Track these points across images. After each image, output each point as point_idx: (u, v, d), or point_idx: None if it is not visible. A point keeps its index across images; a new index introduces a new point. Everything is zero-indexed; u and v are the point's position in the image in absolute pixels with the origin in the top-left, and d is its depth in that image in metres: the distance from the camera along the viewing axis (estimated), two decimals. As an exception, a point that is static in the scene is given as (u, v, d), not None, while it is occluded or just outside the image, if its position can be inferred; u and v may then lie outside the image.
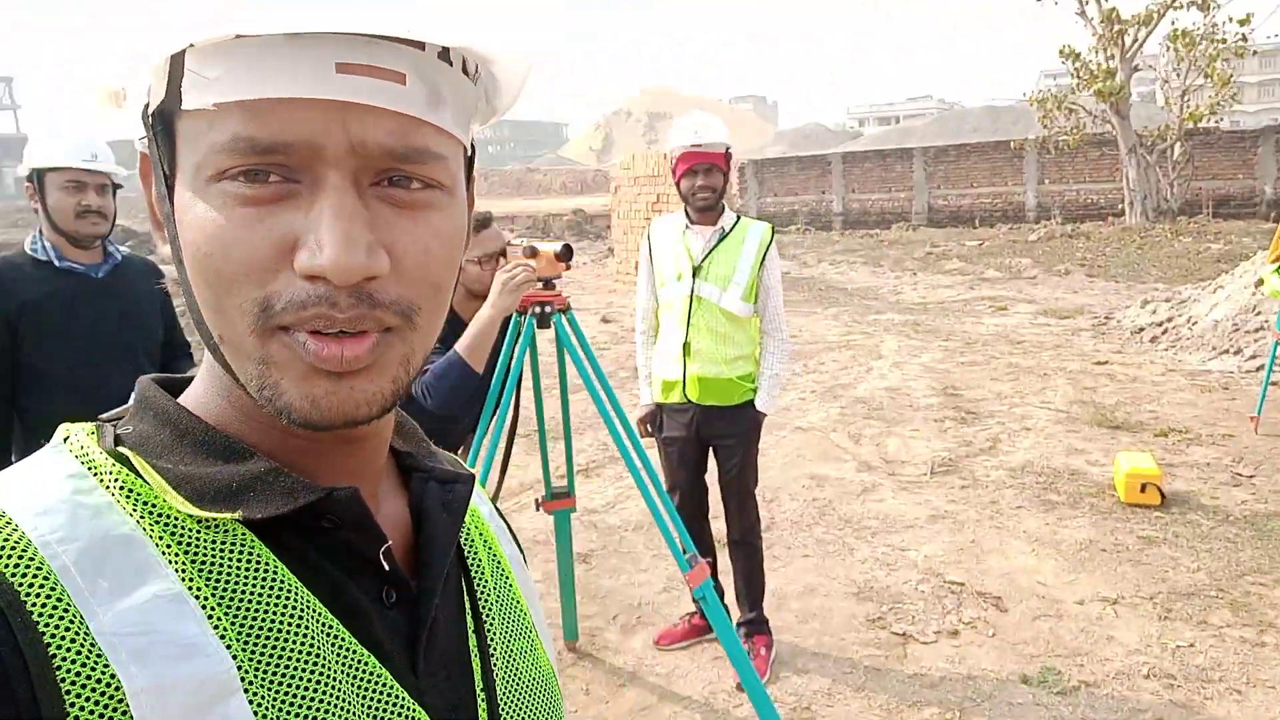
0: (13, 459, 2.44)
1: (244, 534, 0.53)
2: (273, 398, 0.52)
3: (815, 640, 3.70)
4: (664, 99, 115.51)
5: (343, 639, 0.54)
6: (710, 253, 3.32)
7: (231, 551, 0.52)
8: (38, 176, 2.46)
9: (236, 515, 0.52)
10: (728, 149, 3.27)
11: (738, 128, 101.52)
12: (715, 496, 3.60)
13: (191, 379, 0.61)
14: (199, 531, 0.52)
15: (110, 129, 0.61)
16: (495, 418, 2.82)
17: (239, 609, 0.51)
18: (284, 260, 0.50)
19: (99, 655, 0.45)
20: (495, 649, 0.67)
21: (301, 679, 0.51)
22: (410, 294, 0.54)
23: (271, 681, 0.50)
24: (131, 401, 0.59)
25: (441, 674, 0.61)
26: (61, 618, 0.45)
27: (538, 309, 2.76)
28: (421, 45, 0.53)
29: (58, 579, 0.46)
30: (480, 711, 0.63)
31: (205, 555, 0.51)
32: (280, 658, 0.51)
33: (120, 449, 0.53)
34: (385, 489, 0.65)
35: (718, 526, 3.64)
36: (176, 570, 0.49)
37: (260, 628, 0.51)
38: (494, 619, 0.68)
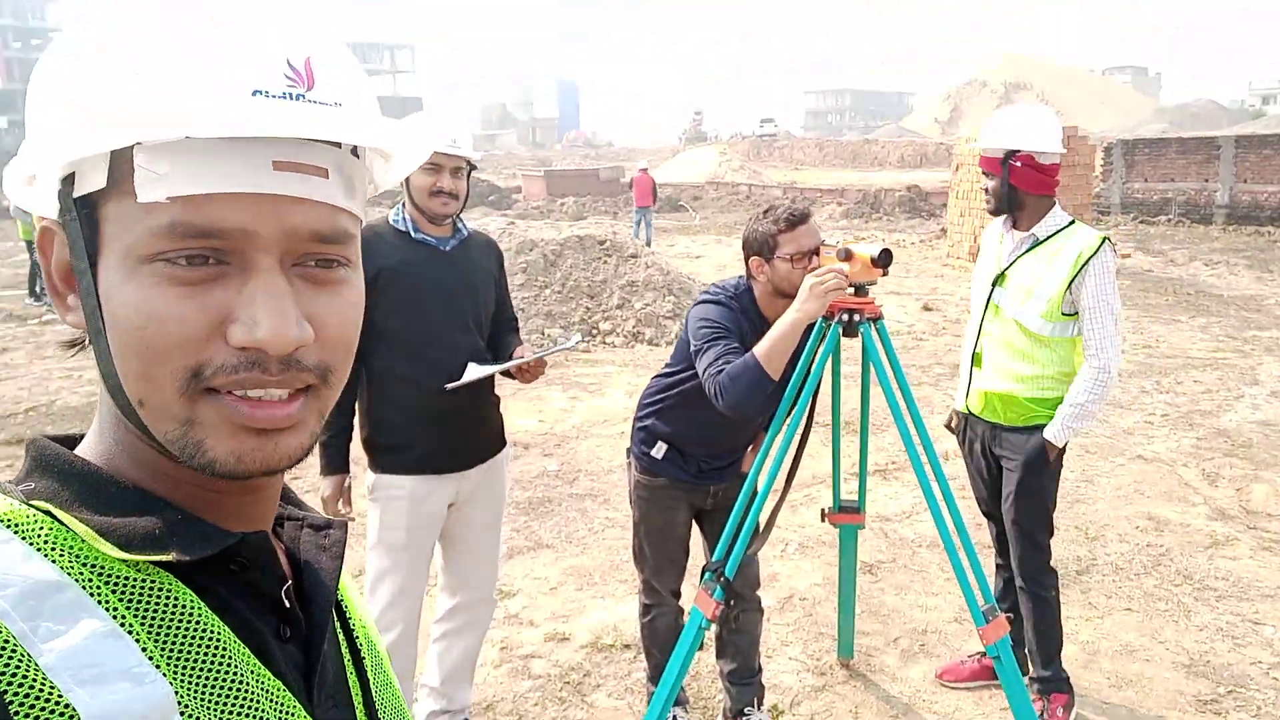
0: (356, 406, 2.71)
1: (166, 576, 0.57)
2: (195, 454, 0.57)
3: (1128, 714, 3.24)
4: (1026, 68, 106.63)
5: (258, 670, 0.60)
6: (1016, 261, 3.02)
7: (158, 592, 0.56)
8: None
9: (170, 557, 0.56)
10: (1008, 153, 2.94)
11: (1109, 103, 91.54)
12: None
13: (76, 436, 0.65)
14: (127, 574, 0.56)
15: (22, 201, 0.64)
16: (789, 421, 2.70)
17: (170, 643, 0.55)
18: (215, 333, 0.56)
19: (52, 687, 0.49)
20: (370, 680, 0.74)
21: (231, 705, 0.57)
22: (329, 358, 0.61)
23: (205, 706, 0.55)
24: (26, 460, 0.62)
25: (330, 703, 0.67)
26: (10, 657, 0.48)
27: (845, 316, 2.58)
28: (338, 144, 0.60)
29: (1, 623, 0.49)
30: None
31: (135, 595, 0.55)
32: (211, 686, 0.56)
33: (36, 502, 0.56)
34: None
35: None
36: (108, 610, 0.53)
37: (190, 660, 0.56)
38: (365, 652, 0.75)
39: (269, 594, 0.64)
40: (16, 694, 0.47)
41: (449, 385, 2.55)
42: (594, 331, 9.45)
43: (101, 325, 0.58)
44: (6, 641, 0.48)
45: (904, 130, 76.98)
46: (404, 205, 2.71)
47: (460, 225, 2.78)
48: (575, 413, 7.10)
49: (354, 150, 0.63)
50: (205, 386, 0.57)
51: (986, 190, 3.04)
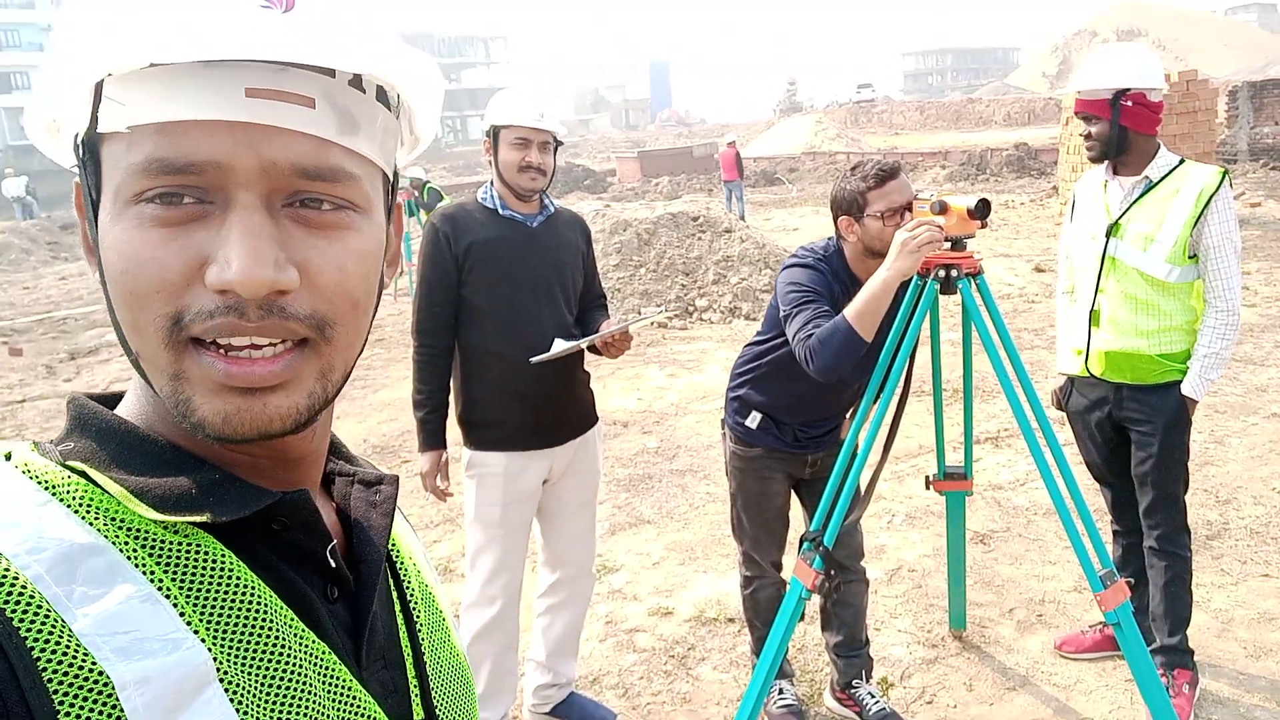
0: (450, 384, 2.76)
1: (204, 537, 0.56)
2: (186, 413, 0.55)
3: (1267, 684, 3.04)
4: (1139, 14, 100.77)
5: (302, 632, 0.58)
6: (1131, 207, 2.83)
7: (196, 554, 0.55)
8: (494, 132, 2.69)
9: (205, 518, 0.54)
10: (1117, 93, 2.75)
11: (1232, 45, 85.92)
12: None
13: (118, 394, 0.63)
14: (163, 536, 0.54)
15: (54, 155, 0.62)
16: (884, 386, 2.61)
17: (208, 606, 0.54)
18: (195, 277, 0.53)
19: (85, 653, 0.48)
20: (422, 639, 0.71)
21: (272, 668, 0.55)
22: (324, 309, 0.56)
23: (245, 670, 0.54)
24: (66, 420, 0.60)
25: (379, 664, 0.65)
26: (44, 623, 0.47)
27: (942, 272, 2.46)
28: (332, 72, 0.55)
29: (35, 588, 0.48)
30: (413, 697, 0.67)
31: (172, 558, 0.54)
32: (251, 649, 0.54)
33: (72, 463, 0.55)
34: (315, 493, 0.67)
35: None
36: (145, 573, 0.52)
37: (229, 623, 0.54)
38: (419, 611, 0.72)
39: (314, 554, 0.61)
40: (50, 660, 0.47)
41: (533, 359, 2.56)
42: (690, 308, 9.40)
43: (104, 275, 0.56)
44: (40, 606, 0.47)
45: (1009, 87, 73.82)
46: (492, 183, 2.74)
47: (547, 202, 2.80)
48: (673, 390, 7.09)
49: (358, 84, 0.58)
50: (188, 336, 0.54)
51: (1089, 136, 2.84)
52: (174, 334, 0.53)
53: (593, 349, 2.72)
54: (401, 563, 0.74)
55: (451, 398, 2.77)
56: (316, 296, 0.56)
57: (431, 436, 2.75)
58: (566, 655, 3.02)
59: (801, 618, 2.70)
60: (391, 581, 0.71)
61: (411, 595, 0.73)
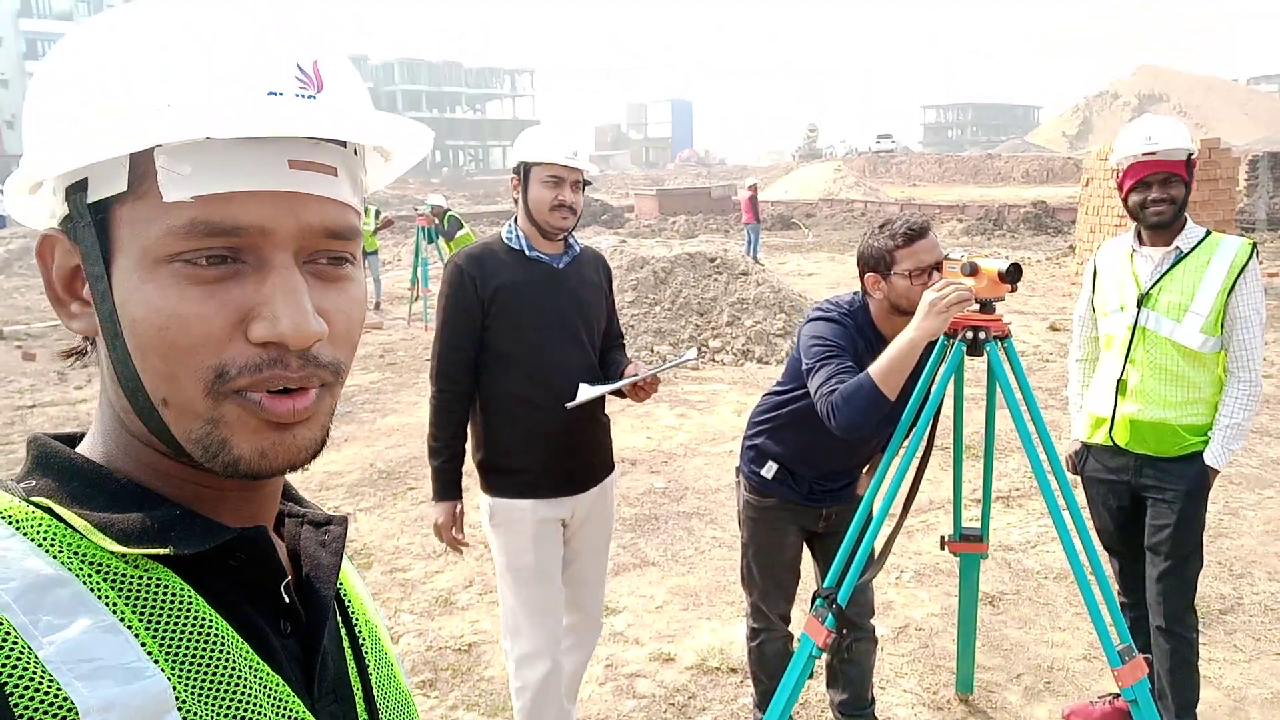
0: (468, 430, 2.70)
1: (164, 572, 0.58)
2: (219, 452, 0.58)
3: (1281, 770, 2.97)
4: (1160, 80, 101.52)
5: (257, 664, 0.60)
6: (1162, 278, 2.81)
7: (155, 587, 0.57)
8: (524, 169, 2.61)
9: (168, 551, 0.57)
10: (1190, 155, 2.73)
11: (1254, 114, 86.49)
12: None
13: (74, 434, 0.65)
14: (125, 570, 0.56)
15: (19, 212, 0.64)
16: (907, 443, 2.58)
17: (167, 637, 0.56)
18: (236, 330, 0.57)
19: (51, 680, 0.49)
20: (371, 674, 0.73)
21: (228, 699, 0.57)
22: (340, 354, 0.62)
23: (202, 700, 0.55)
24: (27, 459, 0.62)
25: (330, 697, 0.67)
26: (12, 649, 0.49)
27: (970, 334, 2.45)
28: (344, 143, 0.62)
29: (3, 616, 0.50)
30: None
31: (133, 591, 0.56)
32: (208, 680, 0.56)
33: (36, 499, 0.57)
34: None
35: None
36: (107, 605, 0.54)
37: (187, 654, 0.56)
38: (367, 648, 0.75)
39: (269, 589, 0.64)
40: (16, 686, 0.48)
41: (568, 404, 2.52)
42: (703, 349, 9.40)
43: (118, 328, 0.58)
44: (8, 634, 0.50)
45: (1029, 145, 74.26)
46: (515, 222, 2.68)
47: (572, 241, 2.76)
48: (683, 430, 7.06)
49: (354, 150, 0.64)
50: (233, 388, 0.58)
51: (1166, 200, 2.74)
52: (216, 385, 0.57)
53: (618, 392, 2.67)
54: (350, 601, 0.77)
55: (469, 443, 2.70)
56: (335, 344, 0.62)
57: (447, 487, 2.66)
58: (567, 700, 2.97)
59: (812, 675, 2.66)
60: (340, 618, 0.74)
61: (360, 632, 0.76)
